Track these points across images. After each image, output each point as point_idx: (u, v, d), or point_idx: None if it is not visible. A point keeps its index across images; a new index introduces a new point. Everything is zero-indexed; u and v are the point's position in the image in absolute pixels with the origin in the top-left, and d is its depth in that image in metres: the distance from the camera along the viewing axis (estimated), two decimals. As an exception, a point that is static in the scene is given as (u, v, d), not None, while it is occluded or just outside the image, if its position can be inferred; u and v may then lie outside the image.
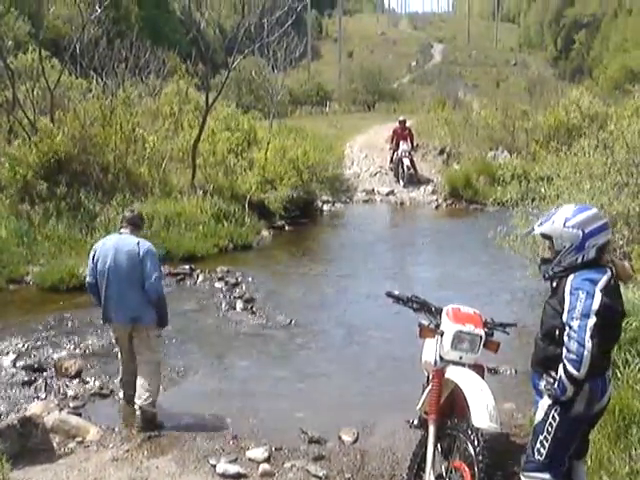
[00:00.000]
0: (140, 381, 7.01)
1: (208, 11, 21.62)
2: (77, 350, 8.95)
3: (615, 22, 64.15)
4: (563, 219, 4.45)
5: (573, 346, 4.14)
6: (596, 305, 4.16)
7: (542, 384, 4.38)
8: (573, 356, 4.14)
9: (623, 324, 4.80)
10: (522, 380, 4.96)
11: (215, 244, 14.39)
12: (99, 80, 19.85)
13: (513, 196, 11.79)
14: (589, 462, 5.26)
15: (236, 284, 12.02)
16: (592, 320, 4.13)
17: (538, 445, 4.44)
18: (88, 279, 7.20)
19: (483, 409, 4.82)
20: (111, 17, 27.64)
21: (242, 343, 9.52)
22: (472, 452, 4.66)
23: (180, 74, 25.27)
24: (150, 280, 6.86)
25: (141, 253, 6.89)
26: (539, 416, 4.48)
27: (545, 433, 4.40)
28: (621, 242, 9.74)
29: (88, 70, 20.65)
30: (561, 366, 4.24)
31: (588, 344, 4.10)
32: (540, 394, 4.49)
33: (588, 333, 4.11)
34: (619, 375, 6.47)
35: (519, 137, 23.69)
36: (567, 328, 4.21)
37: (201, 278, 12.38)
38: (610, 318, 4.25)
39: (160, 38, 36.29)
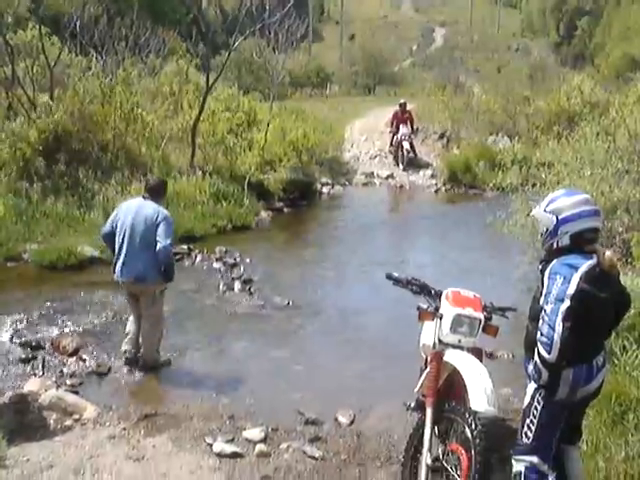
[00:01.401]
0: (142, 331, 7.77)
1: (209, -10, 21.51)
2: (75, 328, 8.93)
3: (618, 9, 63.80)
4: (546, 202, 4.50)
5: (544, 329, 4.18)
6: (572, 290, 4.16)
7: (530, 368, 4.39)
8: (544, 339, 4.17)
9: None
10: (519, 365, 4.96)
11: (214, 224, 14.36)
12: (99, 58, 19.78)
13: (513, 181, 11.76)
14: (585, 447, 5.29)
15: (234, 265, 12.01)
16: (565, 304, 4.14)
17: (525, 428, 4.49)
18: (106, 228, 7.78)
19: (481, 393, 4.83)
20: (111, -5, 27.55)
21: (240, 324, 9.52)
22: (469, 435, 4.66)
23: (180, 54, 25.15)
24: (162, 243, 7.35)
25: (158, 219, 7.41)
26: (526, 400, 4.52)
27: (531, 416, 4.45)
28: (621, 229, 9.73)
29: (88, 48, 20.57)
30: (536, 349, 4.26)
31: (558, 327, 4.11)
32: (528, 379, 4.52)
33: (559, 317, 4.13)
34: (616, 362, 6.48)
35: (520, 122, 23.59)
36: (542, 312, 4.23)
37: (199, 258, 12.37)
38: (591, 304, 4.23)
39: (160, 17, 36.16)
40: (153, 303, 7.72)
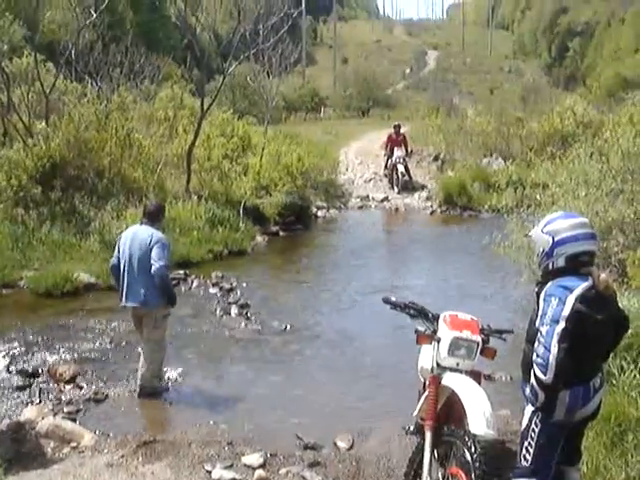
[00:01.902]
0: (145, 355, 7.75)
1: (203, 16, 21.58)
2: (71, 355, 8.91)
3: (609, 30, 64.37)
4: (543, 223, 4.53)
5: (540, 350, 4.19)
6: (567, 311, 4.18)
7: (527, 390, 4.39)
8: (540, 360, 4.18)
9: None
10: (517, 387, 4.97)
11: (210, 249, 14.35)
12: (94, 84, 19.84)
13: (508, 203, 11.81)
14: (585, 469, 5.27)
15: (231, 289, 12.01)
16: (561, 326, 4.15)
17: (524, 451, 4.48)
18: (113, 260, 7.90)
19: (480, 416, 4.82)
20: (106, 22, 27.54)
21: (237, 349, 9.51)
22: (469, 458, 4.64)
23: (175, 79, 25.26)
24: (156, 265, 7.43)
25: (152, 242, 7.51)
26: (524, 422, 4.52)
27: (529, 439, 4.44)
28: (616, 249, 9.75)
29: (83, 74, 20.62)
30: (532, 371, 4.27)
31: (554, 349, 4.12)
32: (525, 401, 4.51)
33: (555, 338, 4.14)
34: (614, 382, 6.48)
35: (513, 144, 23.73)
36: (538, 333, 4.24)
37: (196, 283, 12.36)
38: (587, 326, 4.23)
39: (155, 43, 36.38)
40: (154, 327, 7.76)
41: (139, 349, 8.06)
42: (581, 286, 4.27)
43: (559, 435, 4.43)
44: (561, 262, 4.40)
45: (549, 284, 4.35)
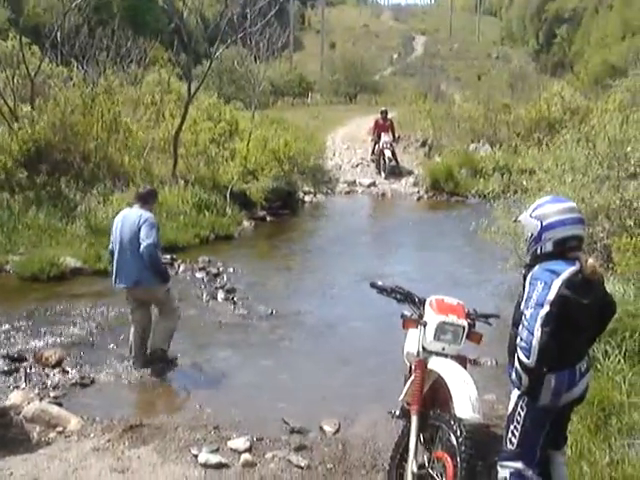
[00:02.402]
0: (156, 326, 8.11)
1: (191, 0, 21.47)
2: (58, 339, 8.88)
3: (596, 17, 64.36)
4: (532, 208, 4.53)
5: (524, 334, 4.20)
6: (552, 295, 4.18)
7: (512, 374, 4.41)
8: (524, 344, 4.19)
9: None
10: (503, 371, 5.02)
11: (196, 234, 14.32)
12: (80, 68, 19.71)
13: (495, 189, 11.82)
14: (569, 452, 5.30)
15: (217, 274, 12.00)
16: (545, 309, 4.16)
17: (510, 435, 4.50)
18: (110, 246, 8.13)
19: (466, 400, 4.84)
20: (92, 5, 27.42)
21: (223, 333, 9.50)
22: (454, 442, 4.67)
23: (162, 63, 25.12)
24: (144, 243, 7.61)
25: (140, 222, 7.70)
26: (510, 406, 4.54)
27: (515, 423, 4.46)
28: (602, 235, 9.79)
29: (69, 58, 20.49)
30: (516, 355, 4.29)
31: (537, 332, 4.13)
32: (512, 385, 4.53)
33: (539, 322, 4.14)
34: (599, 367, 6.52)
35: (501, 130, 23.77)
36: (522, 317, 4.26)
37: (182, 268, 12.34)
38: (572, 310, 4.24)
39: (142, 27, 36.07)
40: (164, 304, 8.11)
41: (131, 329, 8.22)
42: (568, 270, 4.28)
43: (545, 419, 4.45)
44: (549, 246, 4.40)
45: (536, 268, 4.36)
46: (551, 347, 4.16)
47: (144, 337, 8.15)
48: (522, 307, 4.29)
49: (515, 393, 4.48)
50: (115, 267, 7.96)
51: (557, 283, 4.22)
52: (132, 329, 8.20)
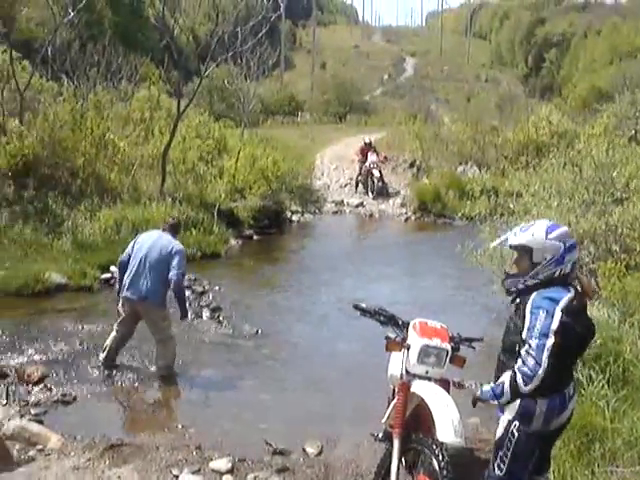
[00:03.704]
0: (158, 352, 8.42)
1: (182, 18, 21.49)
2: (40, 356, 8.80)
3: (584, 42, 64.93)
4: (544, 231, 4.43)
5: (530, 362, 4.16)
6: (555, 325, 4.17)
7: (493, 389, 4.39)
8: (527, 371, 4.17)
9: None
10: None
11: (183, 252, 14.25)
12: (70, 83, 19.70)
13: (482, 211, 11.87)
14: (552, 478, 5.29)
15: (203, 293, 11.95)
16: (551, 340, 4.14)
17: (498, 460, 4.47)
18: (123, 257, 8.51)
19: (448, 424, 4.83)
20: (84, 21, 27.47)
21: (207, 352, 9.46)
22: (436, 466, 4.65)
23: (153, 80, 25.14)
24: (176, 271, 8.16)
25: (173, 250, 8.27)
26: (499, 432, 4.50)
27: (504, 449, 4.43)
28: (587, 259, 9.83)
29: (60, 73, 20.48)
30: (509, 374, 4.28)
31: (544, 364, 4.12)
32: (502, 410, 4.49)
33: (546, 353, 4.13)
34: (583, 392, 6.51)
35: (488, 152, 23.89)
36: (525, 345, 4.22)
37: (168, 286, 12.27)
38: (570, 338, 4.25)
39: (133, 43, 36.13)
40: (157, 327, 8.44)
41: (112, 333, 8.56)
42: (566, 298, 4.28)
43: (535, 445, 4.44)
44: (568, 268, 4.41)
45: (534, 295, 4.33)
46: (551, 376, 4.17)
47: (120, 346, 8.57)
48: (524, 335, 4.23)
49: (505, 418, 4.45)
50: (129, 279, 8.29)
51: (558, 312, 4.22)
52: (113, 334, 8.54)
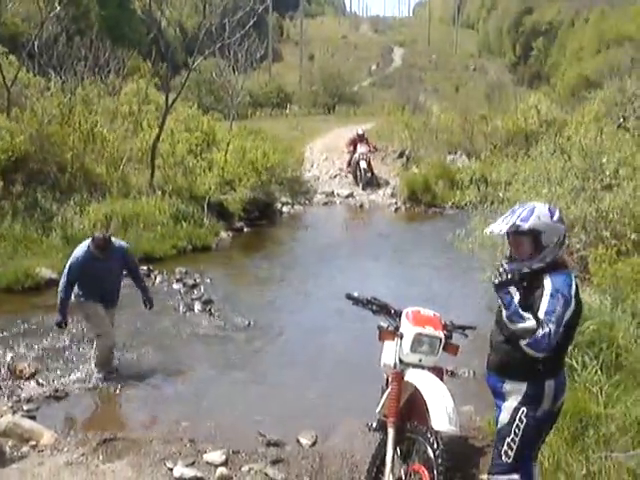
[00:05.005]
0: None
1: (169, 10, 21.40)
2: (32, 352, 8.78)
3: (572, 30, 64.86)
4: (548, 214, 4.34)
5: (544, 341, 4.10)
6: (569, 313, 4.18)
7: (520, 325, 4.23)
8: (545, 345, 4.11)
9: (581, 327, 4.82)
10: (480, 382, 5.00)
11: (173, 245, 14.26)
12: (58, 78, 19.60)
13: (472, 199, 11.86)
14: (546, 464, 5.30)
15: (194, 285, 11.94)
16: (561, 328, 4.14)
17: (505, 447, 4.41)
18: None
19: (442, 412, 4.82)
20: (70, 15, 27.32)
21: (200, 345, 9.45)
22: (431, 455, 4.65)
23: (141, 74, 25.05)
24: None
25: None
26: (504, 419, 4.44)
27: (512, 435, 4.38)
28: (578, 246, 9.84)
29: (47, 68, 20.36)
30: (527, 341, 4.16)
31: (553, 344, 4.12)
32: (501, 398, 4.46)
33: (555, 338, 4.11)
34: (577, 378, 6.52)
35: (477, 141, 23.86)
36: (544, 324, 4.12)
37: (159, 279, 12.27)
38: (577, 317, 4.34)
39: (120, 37, 35.96)
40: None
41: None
42: (575, 281, 4.32)
43: (542, 428, 4.47)
44: (562, 251, 4.44)
45: (551, 278, 4.25)
46: (560, 355, 4.32)
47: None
48: (541, 315, 4.14)
49: (510, 405, 4.40)
50: None
51: (574, 299, 4.24)
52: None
